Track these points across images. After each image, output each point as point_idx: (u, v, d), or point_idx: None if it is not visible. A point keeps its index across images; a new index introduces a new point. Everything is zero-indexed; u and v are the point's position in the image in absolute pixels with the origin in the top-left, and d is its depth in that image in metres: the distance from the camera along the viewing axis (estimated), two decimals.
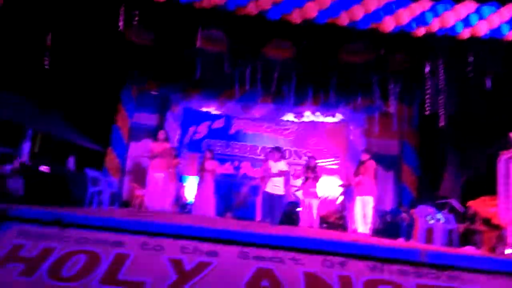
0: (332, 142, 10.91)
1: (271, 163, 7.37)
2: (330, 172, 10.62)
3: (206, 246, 3.61)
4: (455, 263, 3.83)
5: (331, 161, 10.83)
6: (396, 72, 7.38)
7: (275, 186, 7.15)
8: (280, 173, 7.16)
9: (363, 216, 7.00)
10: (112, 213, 5.34)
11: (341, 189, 10.15)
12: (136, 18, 5.49)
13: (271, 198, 7.11)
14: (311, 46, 6.94)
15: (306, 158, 9.31)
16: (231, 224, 5.00)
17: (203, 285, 3.16)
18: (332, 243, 3.93)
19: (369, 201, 6.97)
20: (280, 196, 7.18)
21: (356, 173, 7.34)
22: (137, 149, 10.34)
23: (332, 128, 10.94)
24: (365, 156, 7.37)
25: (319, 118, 10.71)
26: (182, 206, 9.83)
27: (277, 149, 7.48)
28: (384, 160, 10.29)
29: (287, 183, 7.67)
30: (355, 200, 7.34)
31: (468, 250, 5.34)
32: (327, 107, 10.19)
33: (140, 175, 9.90)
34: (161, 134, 7.26)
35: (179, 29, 6.51)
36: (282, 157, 7.47)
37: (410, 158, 10.21)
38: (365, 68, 7.76)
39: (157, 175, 6.83)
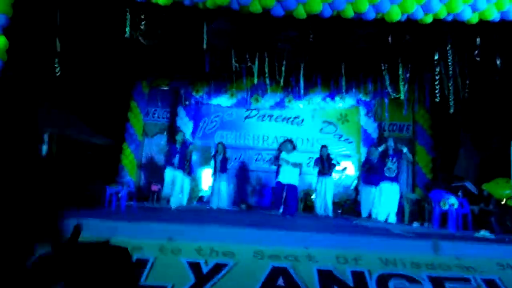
0: (344, 128, 10.90)
1: (283, 154, 7.48)
2: (344, 157, 10.64)
3: (222, 247, 3.73)
4: (466, 252, 3.89)
5: (344, 146, 10.83)
6: (406, 57, 7.29)
7: (289, 177, 7.24)
8: (293, 165, 7.26)
9: (380, 203, 7.16)
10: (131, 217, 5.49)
11: (355, 175, 10.20)
12: (143, 22, 5.55)
13: (285, 189, 7.23)
14: (319, 35, 6.91)
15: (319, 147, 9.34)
16: (246, 222, 5.11)
17: (221, 286, 3.29)
18: (345, 239, 4.03)
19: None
20: (294, 186, 7.28)
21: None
22: (151, 145, 10.55)
23: (344, 114, 10.91)
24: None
25: (330, 104, 10.67)
26: (198, 199, 10.03)
27: (290, 141, 7.60)
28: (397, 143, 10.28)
29: (300, 172, 7.75)
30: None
31: (482, 235, 5.37)
32: (337, 93, 10.13)
33: (155, 170, 10.14)
34: (179, 136, 7.50)
35: (186, 27, 6.54)
36: (294, 148, 7.55)
37: (424, 139, 10.15)
38: (374, 53, 7.70)
39: (174, 172, 7.01)
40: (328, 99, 10.58)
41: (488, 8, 5.10)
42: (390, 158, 7.49)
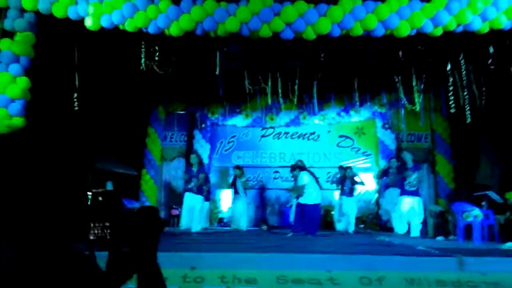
0: (361, 141, 10.84)
1: (295, 176, 7.55)
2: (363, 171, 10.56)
3: (245, 274, 3.75)
4: (492, 267, 3.81)
5: (363, 159, 10.76)
6: (418, 68, 7.27)
7: (306, 197, 7.23)
8: (298, 188, 7.29)
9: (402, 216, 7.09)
10: None
11: (375, 188, 10.09)
12: (157, 53, 5.74)
13: (304, 209, 7.21)
14: (330, 54, 6.99)
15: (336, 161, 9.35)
16: (267, 245, 5.11)
17: None
18: (368, 260, 4.00)
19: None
20: (312, 206, 7.24)
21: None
22: (170, 169, 10.70)
23: (359, 127, 10.87)
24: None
25: (345, 118, 10.67)
26: (218, 220, 10.08)
27: (292, 167, 7.67)
28: (416, 153, 10.16)
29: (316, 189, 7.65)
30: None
31: (508, 246, 5.23)
32: (351, 107, 10.13)
33: (175, 194, 10.26)
34: (192, 159, 7.54)
35: (198, 54, 6.71)
36: (301, 170, 7.53)
37: (443, 148, 10.01)
38: (386, 66, 7.72)
39: (192, 196, 7.07)
40: (343, 113, 10.59)
41: (497, 17, 5.09)
42: (410, 171, 7.40)
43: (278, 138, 11.09)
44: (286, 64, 7.95)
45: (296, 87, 7.83)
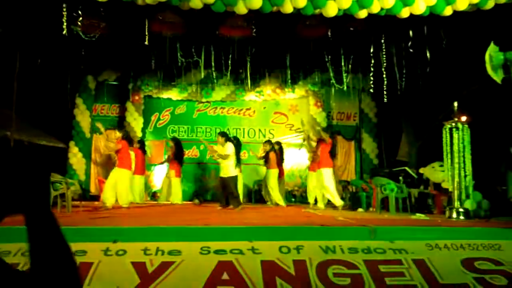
0: (295, 118, 11.14)
1: (218, 148, 7.44)
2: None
3: (168, 246, 3.77)
4: (400, 236, 4.18)
5: (296, 136, 11.09)
6: (347, 49, 7.57)
7: (226, 169, 7.23)
8: (222, 156, 7.19)
9: (320, 190, 7.34)
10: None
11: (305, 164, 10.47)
12: (80, 18, 5.40)
13: (225, 182, 7.24)
14: (266, 25, 7.01)
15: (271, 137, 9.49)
16: (194, 218, 5.17)
17: (166, 284, 3.34)
18: (286, 230, 4.20)
19: (325, 173, 7.15)
20: (231, 178, 7.22)
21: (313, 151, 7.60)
22: (100, 141, 10.28)
23: (294, 104, 11.15)
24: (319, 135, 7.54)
25: (280, 95, 10.88)
26: (152, 195, 9.95)
27: (221, 134, 7.54)
28: (345, 131, 10.71)
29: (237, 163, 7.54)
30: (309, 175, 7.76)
31: (417, 217, 5.76)
32: (286, 84, 10.34)
33: (105, 168, 9.92)
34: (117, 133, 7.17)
35: (126, 22, 6.42)
36: (228, 140, 7.36)
37: (369, 126, 10.62)
38: (319, 43, 7.93)
39: (121, 171, 6.84)
40: (278, 90, 10.79)
41: (417, 3, 5.39)
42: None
43: (214, 113, 11.06)
44: (220, 38, 7.88)
45: (229, 62, 7.78)
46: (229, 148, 7.18)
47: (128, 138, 7.23)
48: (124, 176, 6.82)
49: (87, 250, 3.60)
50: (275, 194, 8.11)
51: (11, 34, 5.86)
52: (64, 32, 5.44)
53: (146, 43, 5.92)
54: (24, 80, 7.61)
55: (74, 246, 3.59)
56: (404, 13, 5.44)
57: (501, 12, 5.81)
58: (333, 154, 7.26)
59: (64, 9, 5.32)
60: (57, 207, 5.73)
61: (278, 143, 8.84)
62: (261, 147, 8.74)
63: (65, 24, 5.40)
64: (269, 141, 8.74)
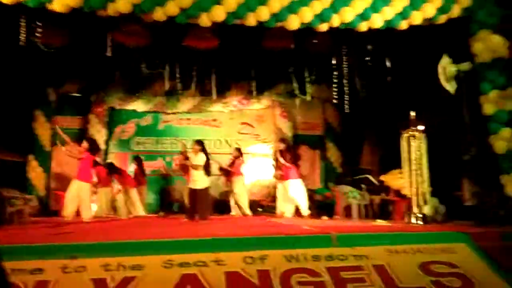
0: (261, 128, 11.23)
1: (191, 157, 7.34)
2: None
3: (130, 260, 3.70)
4: (361, 242, 4.29)
5: (262, 146, 11.18)
6: (309, 61, 7.75)
7: (195, 181, 7.12)
8: (194, 166, 7.10)
9: (287, 200, 7.44)
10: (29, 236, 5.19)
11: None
12: (39, 30, 5.26)
13: (194, 193, 7.11)
14: (231, 37, 7.08)
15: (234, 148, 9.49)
16: (157, 232, 5.10)
17: None
18: (251, 240, 4.22)
19: (293, 184, 7.29)
20: (202, 190, 7.10)
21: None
22: (61, 155, 9.94)
23: (260, 114, 11.25)
24: (281, 145, 7.72)
25: (246, 105, 10.96)
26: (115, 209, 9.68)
27: (198, 142, 7.41)
28: (310, 140, 10.90)
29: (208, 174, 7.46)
30: (278, 186, 7.85)
31: (378, 223, 5.94)
32: (252, 95, 10.43)
33: (65, 182, 9.58)
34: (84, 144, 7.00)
35: (87, 33, 6.31)
36: (203, 151, 7.23)
37: (333, 136, 10.85)
38: (283, 55, 8.08)
39: (81, 184, 6.66)
40: (244, 101, 10.87)
41: (375, 18, 5.62)
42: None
43: (180, 125, 10.99)
44: (185, 49, 7.87)
45: (193, 73, 7.79)
46: (201, 158, 7.08)
47: (92, 148, 7.07)
48: (85, 189, 6.64)
49: (44, 268, 3.48)
50: (243, 202, 8.16)
51: None
52: (22, 43, 5.28)
53: (109, 54, 5.83)
54: None
55: (31, 264, 3.49)
56: (362, 27, 5.66)
57: (454, 26, 6.15)
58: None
59: (23, 20, 5.17)
60: (14, 224, 5.50)
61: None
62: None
63: (23, 34, 5.24)
64: (238, 149, 8.84)
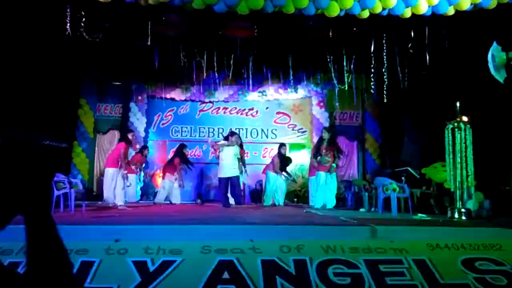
0: (297, 118, 11.14)
1: (228, 140, 7.47)
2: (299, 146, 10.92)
3: (170, 245, 3.79)
4: (401, 235, 4.18)
5: (298, 136, 11.10)
6: (349, 49, 7.56)
7: (226, 170, 7.30)
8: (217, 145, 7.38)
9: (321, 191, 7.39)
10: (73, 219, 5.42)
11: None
12: (83, 20, 5.43)
13: (226, 182, 7.28)
14: (268, 26, 7.03)
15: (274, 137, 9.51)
16: (194, 219, 5.19)
17: (167, 283, 3.36)
18: (288, 229, 4.21)
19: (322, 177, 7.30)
20: (232, 178, 7.29)
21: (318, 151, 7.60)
22: (104, 142, 10.34)
23: (296, 105, 11.15)
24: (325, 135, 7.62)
25: (283, 95, 10.89)
26: (154, 194, 9.96)
27: (231, 133, 7.58)
28: (348, 131, 10.70)
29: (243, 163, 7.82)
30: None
31: (419, 217, 5.75)
32: (289, 84, 10.34)
33: None
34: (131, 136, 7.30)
35: (129, 23, 6.45)
36: (227, 139, 7.46)
37: (372, 127, 10.60)
38: (320, 46, 7.94)
39: (118, 172, 6.89)
40: (281, 90, 10.80)
41: (419, 3, 5.39)
42: (324, 151, 7.57)
43: (217, 113, 11.09)
44: (223, 38, 7.90)
45: (231, 62, 7.80)
46: (224, 143, 7.26)
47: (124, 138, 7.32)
48: (113, 175, 6.88)
49: (88, 249, 3.63)
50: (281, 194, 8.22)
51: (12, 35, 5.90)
52: (68, 32, 5.48)
53: (149, 43, 5.94)
54: (28, 81, 7.67)
55: (76, 245, 3.65)
56: (406, 13, 5.44)
57: (504, 11, 5.79)
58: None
59: (68, 10, 5.36)
60: (60, 207, 5.77)
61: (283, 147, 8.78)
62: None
63: (68, 24, 5.43)
64: (282, 144, 8.76)
